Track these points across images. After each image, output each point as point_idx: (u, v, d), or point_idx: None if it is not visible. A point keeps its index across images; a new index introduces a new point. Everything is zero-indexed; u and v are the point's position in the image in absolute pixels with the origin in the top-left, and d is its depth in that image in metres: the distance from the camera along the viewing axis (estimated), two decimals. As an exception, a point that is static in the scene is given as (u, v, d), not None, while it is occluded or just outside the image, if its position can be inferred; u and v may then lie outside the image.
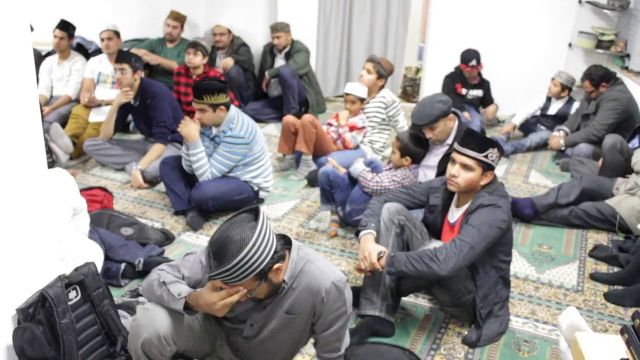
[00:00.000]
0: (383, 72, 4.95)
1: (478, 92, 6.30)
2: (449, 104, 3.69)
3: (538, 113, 6.12)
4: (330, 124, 5.11)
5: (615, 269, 3.73)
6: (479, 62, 6.10)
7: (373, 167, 4.01)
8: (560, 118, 5.98)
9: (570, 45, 6.57)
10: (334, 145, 4.99)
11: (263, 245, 1.98)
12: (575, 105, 5.96)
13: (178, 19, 6.47)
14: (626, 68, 5.98)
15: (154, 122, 4.86)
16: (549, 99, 6.06)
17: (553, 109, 6.04)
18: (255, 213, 2.05)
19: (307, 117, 4.90)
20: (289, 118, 5.07)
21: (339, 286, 2.16)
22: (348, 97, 4.90)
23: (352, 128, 4.93)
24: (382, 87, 5.02)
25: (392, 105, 4.99)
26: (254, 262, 1.96)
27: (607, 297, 3.46)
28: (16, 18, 2.16)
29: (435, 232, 3.14)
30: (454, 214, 3.02)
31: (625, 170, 4.48)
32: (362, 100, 4.90)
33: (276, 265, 2.06)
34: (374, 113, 4.98)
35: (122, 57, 4.75)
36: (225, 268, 1.94)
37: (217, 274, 1.96)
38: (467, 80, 6.28)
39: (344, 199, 4.02)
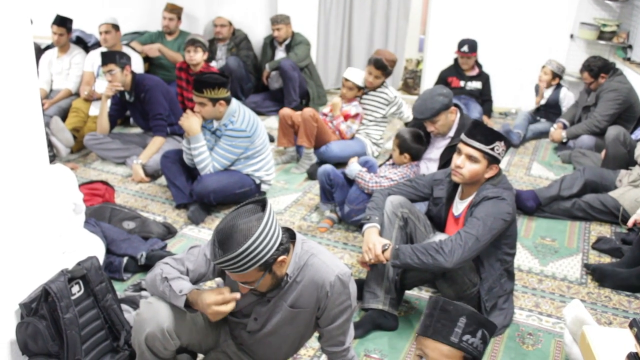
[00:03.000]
0: (390, 71, 4.93)
1: (477, 84, 6.27)
2: (450, 97, 3.67)
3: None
4: (325, 114, 5.08)
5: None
6: (472, 50, 6.06)
7: (369, 166, 3.99)
8: (551, 106, 6.04)
9: (572, 36, 6.54)
10: (333, 136, 4.98)
11: (269, 237, 1.97)
12: (563, 91, 6.01)
13: (174, 10, 6.44)
14: (628, 59, 5.96)
15: (150, 115, 4.84)
16: (536, 91, 6.12)
17: (543, 98, 6.08)
18: (262, 205, 2.05)
19: (308, 111, 4.87)
20: (285, 111, 5.05)
21: (343, 280, 2.15)
22: (347, 82, 4.88)
23: (346, 116, 4.90)
24: (383, 82, 4.99)
25: (393, 102, 4.96)
26: (259, 252, 1.95)
27: (593, 271, 3.52)
28: (16, 11, 2.14)
29: (439, 224, 3.13)
30: (458, 207, 3.01)
31: (628, 162, 4.47)
32: (359, 88, 4.88)
33: (281, 258, 2.05)
34: (375, 108, 4.96)
35: (106, 58, 4.72)
36: (230, 256, 1.92)
37: (221, 262, 1.95)
38: (464, 72, 6.25)
39: (343, 199, 4.01)
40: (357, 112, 4.92)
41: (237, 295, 2.12)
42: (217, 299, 2.10)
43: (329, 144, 4.90)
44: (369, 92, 4.97)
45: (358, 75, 4.89)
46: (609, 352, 1.93)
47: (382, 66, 4.84)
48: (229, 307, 2.11)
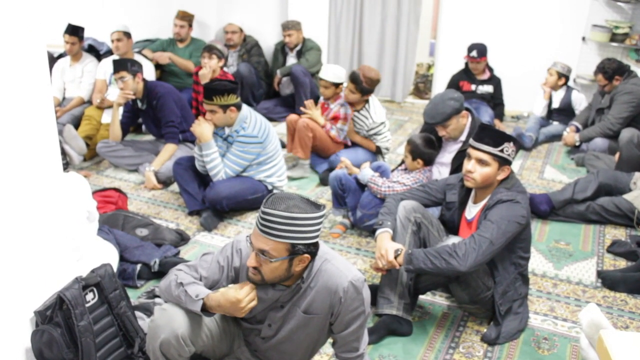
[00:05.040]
0: (367, 89, 4.69)
1: (488, 88, 6.24)
2: (461, 101, 3.65)
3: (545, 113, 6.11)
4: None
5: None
6: (481, 55, 6.03)
7: (381, 171, 3.97)
8: (564, 110, 6.00)
9: (583, 39, 6.50)
10: (338, 145, 4.95)
11: (312, 228, 2.04)
12: (575, 94, 5.97)
13: (185, 17, 6.46)
14: (641, 61, 5.92)
15: (162, 122, 4.86)
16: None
17: (555, 102, 6.04)
18: (319, 206, 2.11)
19: (302, 121, 4.85)
20: (292, 117, 5.05)
21: (356, 286, 2.15)
22: (321, 81, 4.85)
23: (335, 118, 4.86)
24: (367, 100, 4.81)
25: (374, 128, 4.80)
26: (299, 230, 2.01)
27: (603, 279, 3.48)
28: (30, 21, 2.15)
29: (452, 229, 3.12)
30: (472, 210, 3.00)
31: (643, 164, 4.44)
32: (336, 85, 4.83)
33: (306, 255, 2.08)
34: (360, 126, 4.87)
35: (118, 66, 4.75)
36: (277, 212, 1.98)
37: (267, 213, 2.00)
38: (475, 76, 6.22)
39: (355, 204, 3.99)
40: (345, 112, 4.81)
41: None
42: (247, 289, 2.13)
43: (338, 152, 4.86)
44: (354, 112, 4.87)
45: (331, 72, 4.81)
46: (627, 357, 1.91)
47: (354, 79, 4.66)
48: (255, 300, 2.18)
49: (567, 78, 5.94)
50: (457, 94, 3.69)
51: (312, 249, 2.10)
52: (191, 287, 2.18)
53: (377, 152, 4.90)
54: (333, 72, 4.84)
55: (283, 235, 2.00)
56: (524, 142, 5.71)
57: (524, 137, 5.74)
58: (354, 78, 4.68)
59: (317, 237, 2.08)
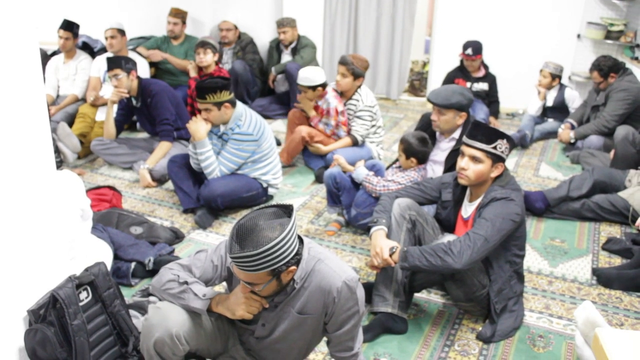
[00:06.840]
0: (358, 71, 4.72)
1: (483, 86, 6.24)
2: (469, 103, 3.66)
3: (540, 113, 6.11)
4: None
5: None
6: (476, 52, 6.02)
7: (376, 170, 3.95)
8: (558, 108, 6.01)
9: (579, 36, 6.51)
10: (330, 138, 4.95)
11: (287, 245, 1.98)
12: (568, 91, 5.99)
13: (178, 15, 6.42)
14: (636, 58, 5.92)
15: (157, 120, 4.84)
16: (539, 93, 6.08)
17: (549, 100, 6.05)
18: (287, 211, 2.05)
19: (299, 131, 4.86)
20: (295, 112, 5.04)
21: (350, 286, 2.13)
22: (300, 87, 4.89)
23: (321, 112, 4.89)
24: (359, 86, 4.82)
25: (361, 109, 4.79)
26: (274, 258, 1.96)
27: (598, 276, 3.49)
28: (22, 18, 2.14)
29: (448, 227, 3.11)
30: (467, 209, 2.99)
31: (638, 161, 4.44)
32: (313, 87, 4.82)
33: (292, 267, 2.05)
34: (350, 112, 4.88)
35: (112, 63, 4.72)
36: (246, 254, 1.93)
37: (236, 257, 1.96)
38: (470, 74, 6.22)
39: (350, 202, 3.98)
40: (327, 107, 4.83)
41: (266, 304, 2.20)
42: (254, 309, 2.17)
43: (335, 150, 4.86)
44: (347, 102, 4.89)
45: (306, 76, 4.80)
46: (623, 355, 1.90)
47: (344, 62, 4.69)
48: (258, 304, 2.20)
49: (559, 77, 5.95)
50: (470, 95, 3.70)
51: (295, 259, 2.07)
52: (196, 286, 2.20)
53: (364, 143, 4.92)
54: (305, 76, 4.82)
55: (260, 267, 1.97)
56: (525, 142, 5.71)
57: (526, 137, 5.73)
58: (343, 61, 4.70)
59: (294, 249, 2.03)
